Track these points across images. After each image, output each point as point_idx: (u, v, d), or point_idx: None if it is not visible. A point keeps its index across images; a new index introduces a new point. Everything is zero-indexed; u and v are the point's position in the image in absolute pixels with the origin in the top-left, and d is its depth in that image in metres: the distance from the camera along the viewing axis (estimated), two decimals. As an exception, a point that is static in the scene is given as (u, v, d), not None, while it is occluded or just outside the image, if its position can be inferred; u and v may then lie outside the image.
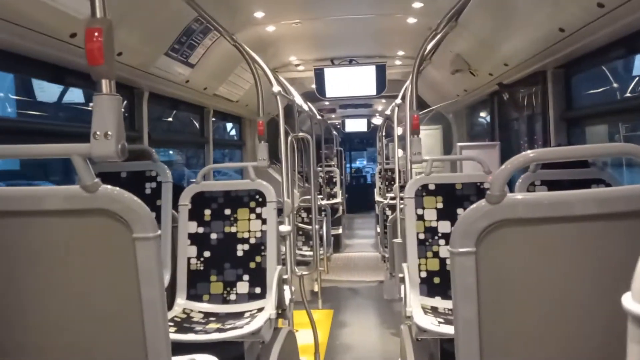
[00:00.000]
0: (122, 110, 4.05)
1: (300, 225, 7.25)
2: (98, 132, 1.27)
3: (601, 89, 4.09)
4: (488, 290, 1.31)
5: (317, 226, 6.00)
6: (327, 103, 9.63)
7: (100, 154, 1.28)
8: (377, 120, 12.33)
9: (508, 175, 1.31)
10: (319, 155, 9.22)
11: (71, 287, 1.41)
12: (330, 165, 11.56)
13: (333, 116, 12.36)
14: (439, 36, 3.67)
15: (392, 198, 6.49)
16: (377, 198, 9.21)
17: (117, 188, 1.36)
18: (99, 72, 1.28)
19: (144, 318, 1.36)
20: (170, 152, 7.23)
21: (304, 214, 7.62)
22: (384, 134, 10.28)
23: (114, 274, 1.38)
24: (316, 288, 6.16)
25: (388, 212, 7.11)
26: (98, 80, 1.29)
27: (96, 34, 1.26)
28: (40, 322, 1.42)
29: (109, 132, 1.27)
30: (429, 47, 3.71)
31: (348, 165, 18.60)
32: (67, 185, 1.36)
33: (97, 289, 1.40)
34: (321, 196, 8.93)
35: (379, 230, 8.11)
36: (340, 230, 9.72)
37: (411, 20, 4.60)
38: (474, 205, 1.32)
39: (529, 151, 1.36)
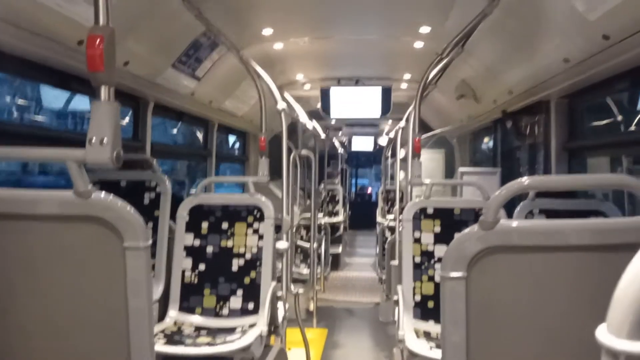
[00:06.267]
0: (127, 119, 4.09)
1: (299, 242, 7.22)
2: (94, 139, 1.27)
3: (604, 121, 4.09)
4: (477, 315, 1.30)
5: (315, 244, 5.96)
6: (333, 122, 9.64)
7: (95, 160, 1.28)
8: (383, 140, 12.30)
9: (502, 201, 1.30)
10: (321, 173, 9.20)
11: (59, 292, 1.40)
12: (333, 183, 11.49)
13: (339, 134, 12.33)
14: (444, 61, 3.69)
15: (393, 219, 6.46)
16: (379, 219, 9.17)
17: (111, 195, 1.36)
18: (98, 79, 1.29)
19: (129, 328, 1.35)
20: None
21: (303, 232, 7.59)
22: (389, 154, 10.27)
23: (103, 282, 1.38)
24: (312, 307, 6.12)
25: (387, 234, 7.08)
26: (97, 87, 1.29)
27: (98, 41, 1.26)
28: (27, 324, 1.41)
29: (105, 139, 1.27)
30: (434, 71, 3.73)
31: (354, 181, 18.60)
32: None
33: (85, 295, 1.39)
34: (321, 214, 8.89)
35: (378, 251, 8.07)
36: (340, 249, 9.66)
37: (418, 44, 4.62)
38: (466, 230, 1.31)
39: (524, 178, 1.35)
